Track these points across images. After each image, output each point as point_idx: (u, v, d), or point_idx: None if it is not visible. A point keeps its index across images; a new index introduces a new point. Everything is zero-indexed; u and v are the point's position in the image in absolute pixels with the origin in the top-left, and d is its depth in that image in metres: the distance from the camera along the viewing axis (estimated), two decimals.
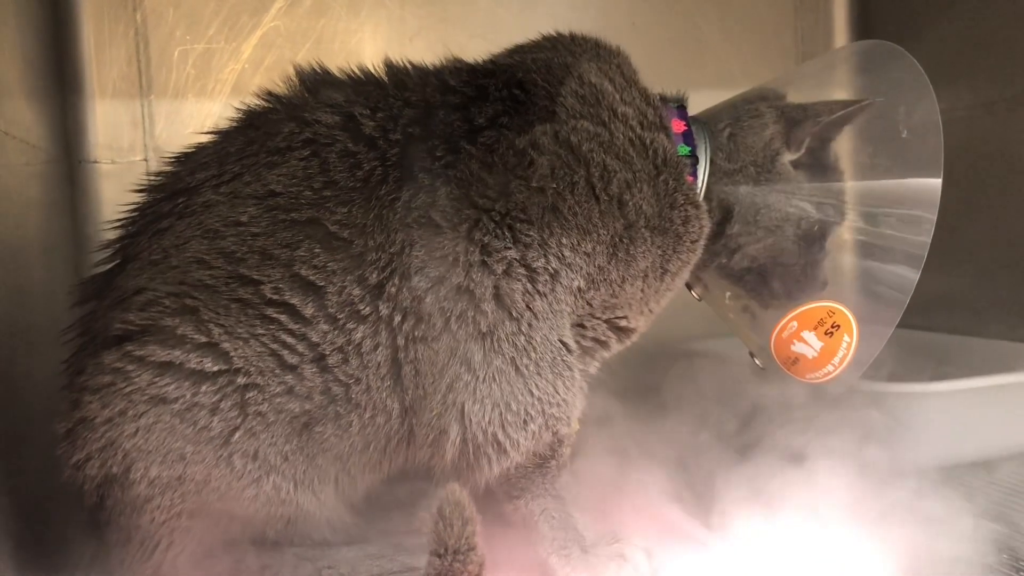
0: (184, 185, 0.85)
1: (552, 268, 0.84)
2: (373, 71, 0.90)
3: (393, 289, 0.81)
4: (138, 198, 0.88)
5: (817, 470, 0.92)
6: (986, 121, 1.37)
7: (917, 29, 1.51)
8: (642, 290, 0.91)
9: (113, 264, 0.87)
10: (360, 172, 0.83)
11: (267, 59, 1.36)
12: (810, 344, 0.95)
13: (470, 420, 0.83)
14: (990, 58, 1.37)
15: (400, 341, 0.82)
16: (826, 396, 1.03)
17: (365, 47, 1.41)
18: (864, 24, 1.66)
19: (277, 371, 0.81)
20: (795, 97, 0.98)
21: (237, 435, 0.81)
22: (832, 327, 0.94)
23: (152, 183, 0.89)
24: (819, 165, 0.96)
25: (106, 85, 1.32)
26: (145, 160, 1.33)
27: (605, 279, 0.87)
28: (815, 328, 0.95)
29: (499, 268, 0.82)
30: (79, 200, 1.31)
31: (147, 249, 0.84)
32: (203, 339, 0.80)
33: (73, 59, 1.31)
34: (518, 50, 0.95)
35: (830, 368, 0.94)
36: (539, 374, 0.84)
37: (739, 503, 0.91)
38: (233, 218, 0.82)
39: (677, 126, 0.94)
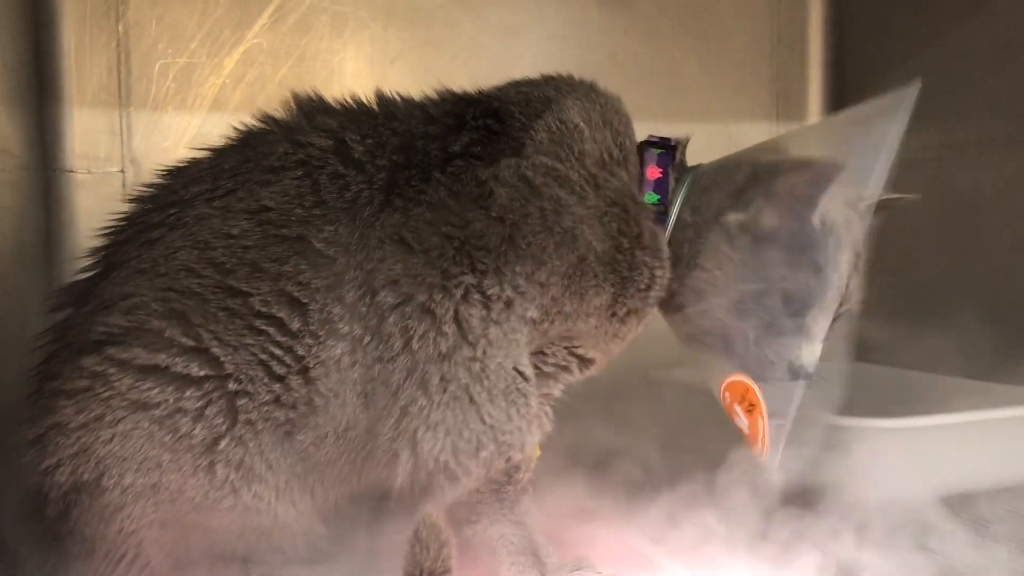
0: (176, 198, 0.86)
1: (507, 296, 0.85)
2: (365, 101, 0.92)
3: (364, 308, 0.83)
4: (127, 207, 0.89)
5: (783, 502, 0.93)
6: (955, 163, 1.40)
7: (890, 70, 1.54)
8: (595, 327, 0.91)
9: (96, 272, 0.87)
10: (348, 193, 0.85)
11: (248, 75, 1.36)
12: (741, 418, 0.91)
13: (422, 446, 0.83)
14: (960, 101, 1.40)
15: (369, 359, 0.83)
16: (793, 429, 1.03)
17: (347, 67, 1.42)
18: (839, 63, 1.69)
19: (266, 380, 0.81)
20: (796, 152, 0.93)
21: (223, 443, 0.80)
22: (750, 405, 0.90)
23: (142, 194, 0.89)
24: (783, 237, 0.88)
25: (85, 94, 1.31)
26: (122, 171, 1.32)
27: (559, 311, 0.88)
28: (740, 402, 0.91)
29: (458, 293, 0.83)
30: (53, 209, 1.30)
31: (135, 258, 0.84)
32: (191, 343, 0.80)
33: (53, 67, 1.30)
34: (512, 84, 0.97)
35: (759, 448, 0.89)
36: (491, 401, 0.84)
37: (703, 531, 0.92)
38: (224, 231, 0.83)
39: (652, 173, 0.94)
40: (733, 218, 0.89)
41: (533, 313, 0.87)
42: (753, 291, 0.88)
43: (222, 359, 0.80)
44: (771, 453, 0.88)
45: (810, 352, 0.88)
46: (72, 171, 1.31)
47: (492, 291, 0.84)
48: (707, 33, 1.60)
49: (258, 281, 0.82)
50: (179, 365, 0.80)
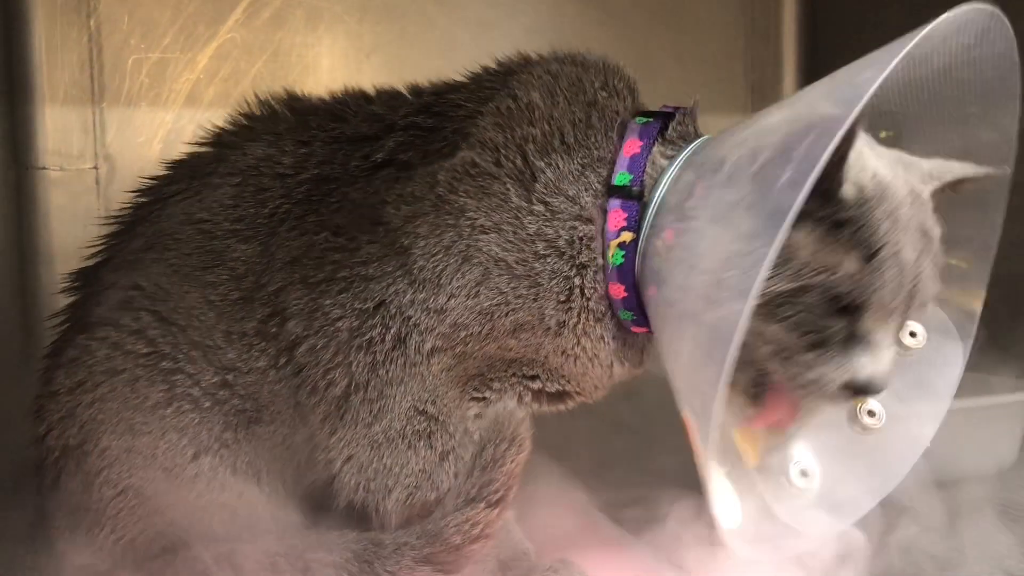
0: (162, 194, 0.90)
1: (394, 332, 0.79)
2: (333, 98, 0.91)
3: (275, 330, 0.83)
4: (130, 197, 0.93)
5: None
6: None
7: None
8: (536, 345, 0.81)
9: (103, 258, 0.92)
10: (266, 209, 0.85)
11: (222, 70, 1.35)
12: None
13: (343, 479, 0.83)
14: None
15: (291, 381, 0.83)
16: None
17: (322, 61, 1.41)
18: (813, 56, 1.70)
19: (212, 365, 0.84)
20: (801, 111, 0.71)
21: (169, 410, 0.83)
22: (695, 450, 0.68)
23: (143, 186, 0.93)
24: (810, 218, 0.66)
25: (57, 91, 1.30)
26: (95, 168, 1.31)
27: (469, 334, 0.80)
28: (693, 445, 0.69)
29: (342, 336, 0.81)
30: (26, 207, 1.28)
31: (126, 248, 0.89)
32: (135, 326, 0.85)
33: (23, 63, 1.29)
34: (485, 66, 0.89)
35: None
36: (389, 443, 0.81)
37: (700, 535, 0.87)
38: (177, 234, 0.87)
39: (629, 147, 0.79)
40: (730, 199, 0.67)
41: (435, 343, 0.80)
42: (784, 292, 0.67)
43: (158, 340, 0.84)
44: (717, 515, 0.68)
45: (875, 364, 0.69)
46: (44, 168, 1.30)
47: (373, 333, 0.80)
48: (681, 26, 1.61)
49: (190, 284, 0.85)
50: (128, 343, 0.84)
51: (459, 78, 0.89)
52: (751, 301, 0.58)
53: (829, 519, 0.76)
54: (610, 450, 1.12)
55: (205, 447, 0.83)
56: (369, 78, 1.40)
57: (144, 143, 1.33)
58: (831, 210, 0.67)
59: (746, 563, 0.78)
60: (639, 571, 0.89)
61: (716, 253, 0.66)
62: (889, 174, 0.71)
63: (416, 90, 0.89)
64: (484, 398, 0.85)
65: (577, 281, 0.79)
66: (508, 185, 0.79)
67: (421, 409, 0.81)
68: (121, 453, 0.82)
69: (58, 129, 1.30)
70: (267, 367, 0.84)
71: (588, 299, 0.79)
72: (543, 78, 0.82)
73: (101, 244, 0.93)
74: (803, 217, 0.63)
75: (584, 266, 0.79)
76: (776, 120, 0.69)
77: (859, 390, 0.70)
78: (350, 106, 0.88)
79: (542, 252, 0.78)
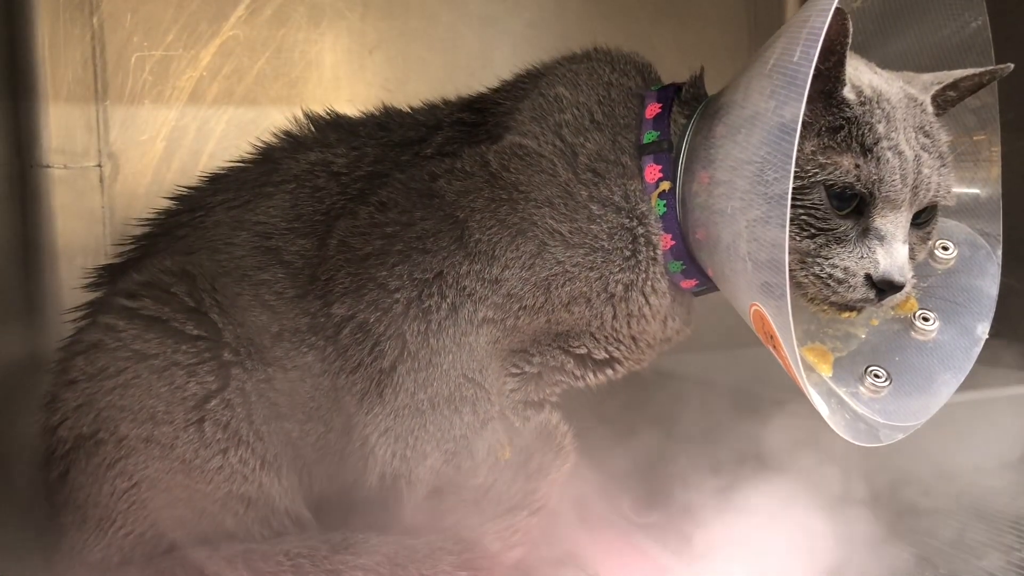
0: (205, 203, 0.92)
1: (450, 302, 0.83)
2: (375, 113, 0.95)
3: (323, 319, 0.85)
4: (167, 204, 0.96)
5: (788, 500, 0.89)
6: None
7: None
8: (589, 318, 0.86)
9: (131, 257, 0.93)
10: (323, 206, 0.89)
11: (225, 67, 1.36)
12: (775, 355, 0.75)
13: (376, 453, 0.85)
14: None
15: (334, 369, 0.86)
16: (797, 423, 1.00)
17: (325, 58, 1.41)
18: None
19: (261, 361, 0.85)
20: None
21: (213, 402, 0.83)
22: (770, 336, 0.71)
23: (181, 194, 0.96)
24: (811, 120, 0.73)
25: (60, 89, 1.30)
26: (99, 166, 1.31)
27: (521, 307, 0.85)
28: (765, 337, 0.74)
29: (396, 309, 0.83)
30: (30, 205, 1.29)
31: (164, 250, 0.91)
32: (192, 304, 0.85)
33: (27, 61, 1.29)
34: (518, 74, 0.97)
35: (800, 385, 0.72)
36: (434, 409, 0.84)
37: (708, 530, 0.89)
38: (229, 238, 0.89)
39: (650, 111, 0.86)
40: (736, 114, 0.74)
41: (487, 313, 0.84)
42: (794, 195, 0.70)
43: (220, 326, 0.85)
44: (807, 390, 0.71)
45: (890, 257, 0.73)
46: (48, 166, 1.30)
47: (431, 302, 0.83)
48: (685, 20, 1.61)
49: (245, 284, 0.87)
50: (177, 321, 0.84)
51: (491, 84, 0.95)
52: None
53: (907, 413, 0.79)
54: (617, 451, 1.12)
55: (241, 439, 0.84)
56: (372, 74, 1.40)
57: (147, 141, 1.33)
58: (830, 117, 0.73)
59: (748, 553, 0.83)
60: (644, 563, 0.90)
61: (746, 167, 0.70)
62: (884, 85, 0.77)
63: (458, 97, 0.95)
64: (523, 372, 0.89)
65: (641, 230, 0.84)
66: (555, 161, 0.84)
67: (470, 377, 0.84)
68: (139, 443, 0.82)
69: (62, 127, 1.30)
70: (314, 361, 0.86)
71: (654, 247, 0.83)
72: (566, 75, 0.89)
73: (131, 244, 0.94)
74: (805, 127, 0.70)
75: (644, 215, 0.83)
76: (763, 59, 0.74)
77: (881, 285, 0.73)
78: (394, 117, 0.94)
79: (597, 213, 0.83)
